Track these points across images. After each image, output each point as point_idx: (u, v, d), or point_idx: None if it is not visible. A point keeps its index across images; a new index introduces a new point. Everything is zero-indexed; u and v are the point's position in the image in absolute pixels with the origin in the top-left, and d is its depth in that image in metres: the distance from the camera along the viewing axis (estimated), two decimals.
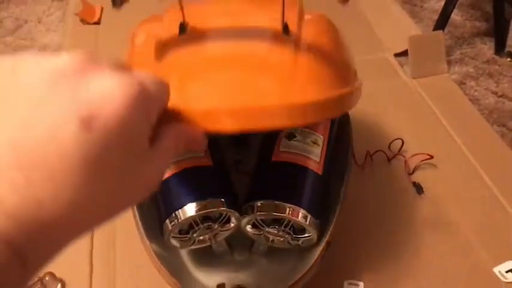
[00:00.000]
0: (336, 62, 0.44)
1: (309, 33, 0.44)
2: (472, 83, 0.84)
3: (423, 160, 0.69)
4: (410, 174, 0.68)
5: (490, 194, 0.66)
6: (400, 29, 0.92)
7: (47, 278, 0.54)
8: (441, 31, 0.85)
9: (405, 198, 0.66)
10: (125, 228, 0.60)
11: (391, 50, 0.89)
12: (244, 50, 0.40)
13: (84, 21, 0.92)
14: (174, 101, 0.29)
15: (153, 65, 0.40)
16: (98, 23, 0.93)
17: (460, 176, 0.68)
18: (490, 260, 0.59)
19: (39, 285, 0.54)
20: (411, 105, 0.79)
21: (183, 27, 0.41)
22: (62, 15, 0.98)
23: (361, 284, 0.56)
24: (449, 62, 0.88)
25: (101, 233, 0.61)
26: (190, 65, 0.39)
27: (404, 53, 0.87)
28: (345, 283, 0.56)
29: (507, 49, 0.89)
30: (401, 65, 0.87)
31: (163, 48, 0.41)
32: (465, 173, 0.69)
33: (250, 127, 0.34)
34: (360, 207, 0.64)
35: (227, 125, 0.33)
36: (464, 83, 0.84)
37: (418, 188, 0.66)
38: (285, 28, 0.41)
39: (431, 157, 0.68)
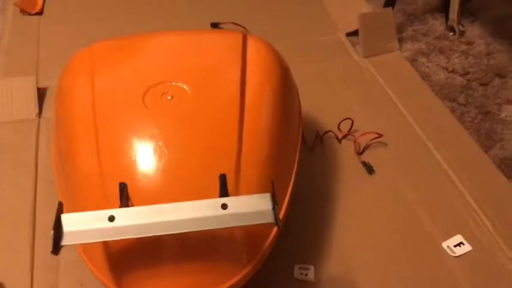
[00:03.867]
0: None
1: None
2: (424, 60, 0.84)
3: (373, 139, 0.68)
4: (360, 154, 0.68)
5: (440, 169, 0.66)
6: (352, 8, 0.91)
7: None
8: (390, 8, 0.84)
9: (356, 178, 0.65)
10: None
11: (343, 29, 0.88)
12: None
13: (24, 12, 0.88)
14: None
15: None
16: (40, 13, 0.89)
17: (410, 153, 0.68)
18: (439, 235, 0.58)
19: None
20: (362, 85, 0.78)
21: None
22: (1, 6, 0.94)
23: (312, 268, 0.55)
24: (401, 39, 0.87)
25: (43, 227, 0.59)
26: None
27: (356, 32, 0.86)
28: (296, 267, 0.55)
29: (449, 23, 0.89)
30: (353, 45, 0.86)
31: None
32: (415, 149, 0.68)
33: None
34: (310, 189, 0.63)
35: None
36: (416, 60, 0.84)
37: (369, 168, 0.66)
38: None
39: (381, 135, 0.68)
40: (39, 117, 0.74)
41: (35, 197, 0.63)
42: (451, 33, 0.89)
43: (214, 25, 0.89)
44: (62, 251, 0.55)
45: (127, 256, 0.43)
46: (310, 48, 0.86)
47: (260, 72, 0.51)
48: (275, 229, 0.46)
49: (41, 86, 0.77)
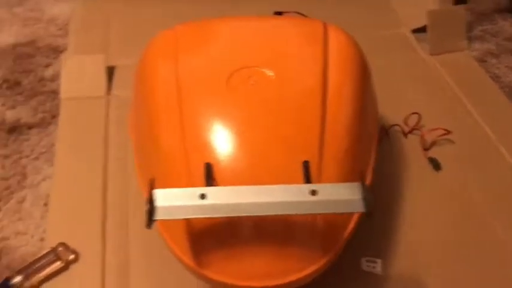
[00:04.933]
0: None
1: None
2: (493, 61, 0.82)
3: (441, 135, 0.67)
4: (427, 149, 0.67)
5: (509, 170, 0.64)
6: (418, 3, 0.90)
7: (60, 249, 0.54)
8: (462, 6, 0.83)
9: (422, 174, 0.64)
10: (138, 196, 0.60)
11: (408, 25, 0.87)
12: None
13: None
14: None
15: None
16: None
17: (480, 154, 0.67)
18: (510, 240, 0.57)
19: (52, 256, 0.53)
20: (429, 82, 0.77)
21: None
22: None
23: (379, 261, 0.55)
24: (469, 39, 0.85)
25: (114, 202, 0.60)
26: None
27: (422, 29, 0.85)
28: (363, 259, 0.55)
29: None
30: (419, 41, 0.85)
31: None
32: (485, 150, 0.67)
33: None
34: (377, 181, 0.62)
35: None
36: (485, 61, 0.82)
37: (436, 164, 0.65)
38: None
39: (449, 132, 0.67)
40: (108, 94, 0.75)
41: (105, 173, 0.64)
42: None
43: (278, 14, 0.89)
44: (133, 227, 0.58)
45: (209, 236, 0.43)
46: (374, 41, 0.85)
47: (342, 63, 0.51)
48: (354, 219, 0.46)
49: (110, 64, 0.79)
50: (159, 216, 0.39)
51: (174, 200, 0.39)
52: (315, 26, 0.54)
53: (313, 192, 0.39)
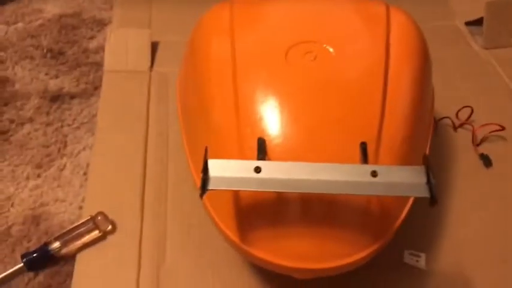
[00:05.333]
0: None
1: None
2: None
3: (493, 131, 0.64)
4: (478, 145, 0.64)
5: None
6: None
7: (99, 218, 0.53)
8: None
9: (472, 169, 0.62)
10: (177, 171, 0.59)
11: (462, 17, 0.84)
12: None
13: None
14: None
15: None
16: None
17: None
18: None
19: (91, 224, 0.53)
20: (482, 76, 0.75)
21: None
22: None
23: (423, 255, 0.53)
24: None
25: (153, 176, 0.60)
26: None
27: (476, 22, 0.82)
28: (406, 252, 0.53)
29: None
30: (472, 35, 0.82)
31: None
32: None
33: None
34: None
35: None
36: None
37: (486, 160, 0.62)
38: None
39: (503, 128, 0.64)
40: (150, 70, 0.75)
41: (146, 147, 0.63)
42: None
43: None
44: (171, 201, 0.57)
45: (256, 212, 0.42)
46: (426, 33, 0.82)
47: (404, 46, 0.49)
48: (407, 208, 0.44)
49: (153, 40, 0.78)
50: (212, 186, 0.37)
51: (229, 171, 0.38)
52: (378, 7, 0.52)
53: (374, 173, 0.37)
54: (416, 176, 0.37)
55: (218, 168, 0.38)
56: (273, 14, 0.52)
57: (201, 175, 0.38)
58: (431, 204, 0.37)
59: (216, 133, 0.45)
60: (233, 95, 0.45)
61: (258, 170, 0.38)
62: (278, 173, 0.38)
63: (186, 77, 0.55)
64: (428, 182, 0.37)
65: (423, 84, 0.49)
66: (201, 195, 0.37)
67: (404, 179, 0.37)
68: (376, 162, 0.42)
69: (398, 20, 0.51)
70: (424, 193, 0.37)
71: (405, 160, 0.44)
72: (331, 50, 0.47)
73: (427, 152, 0.50)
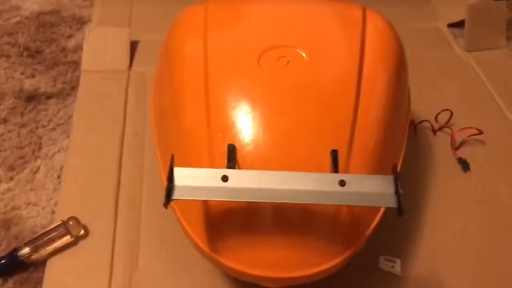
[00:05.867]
0: None
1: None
2: None
3: (471, 135, 0.64)
4: (456, 149, 0.64)
5: None
6: None
7: (70, 223, 0.52)
8: (504, 2, 0.79)
9: (450, 174, 0.62)
10: (152, 174, 0.59)
11: (445, 19, 0.84)
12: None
13: None
14: None
15: None
16: None
17: (510, 156, 0.64)
18: None
19: (62, 229, 0.52)
20: (463, 79, 0.74)
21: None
22: None
23: (398, 260, 0.53)
24: (508, 37, 0.81)
25: (128, 179, 0.59)
26: None
27: (459, 24, 0.81)
28: (381, 258, 0.53)
29: None
30: (455, 37, 0.81)
31: None
32: None
33: None
34: (402, 177, 0.60)
35: None
36: None
37: (464, 165, 0.62)
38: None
39: (481, 132, 0.64)
40: (129, 69, 0.74)
41: (121, 148, 0.62)
42: None
43: None
44: (145, 206, 0.56)
45: (226, 221, 0.41)
46: (408, 34, 0.81)
47: (379, 50, 0.49)
48: (379, 215, 0.44)
49: (133, 39, 0.77)
50: (177, 195, 0.37)
51: (195, 180, 0.37)
52: (354, 10, 0.51)
53: (342, 183, 0.37)
54: (384, 186, 0.36)
55: (184, 176, 0.37)
56: (248, 16, 0.52)
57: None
58: (398, 214, 0.36)
59: (187, 137, 0.45)
60: (204, 99, 0.44)
61: (225, 179, 0.37)
62: (245, 182, 0.37)
63: (160, 78, 0.54)
64: (397, 192, 0.36)
65: (398, 89, 0.49)
66: (165, 205, 0.36)
67: (372, 189, 0.36)
68: (347, 169, 0.41)
69: (374, 23, 0.50)
70: (392, 203, 0.36)
71: (378, 166, 0.43)
72: (304, 55, 0.46)
73: (402, 157, 0.50)
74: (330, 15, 0.51)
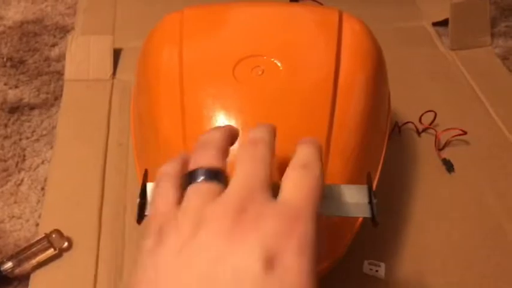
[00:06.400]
0: None
1: None
2: None
3: (455, 135, 0.64)
4: (441, 149, 0.64)
5: None
6: None
7: (53, 236, 0.52)
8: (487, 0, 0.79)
9: (434, 175, 0.62)
10: (136, 185, 0.58)
11: (429, 18, 0.84)
12: None
13: None
14: None
15: None
16: None
17: (496, 156, 0.64)
18: None
19: (45, 242, 0.52)
20: (448, 78, 0.74)
21: None
22: None
23: (383, 264, 0.53)
24: (492, 35, 0.81)
25: (112, 190, 0.59)
26: None
27: (444, 22, 0.81)
28: (365, 262, 0.53)
29: None
30: (440, 35, 0.81)
31: None
32: (501, 153, 0.64)
33: None
34: (386, 179, 0.60)
35: None
36: (508, 58, 0.78)
37: (449, 166, 0.62)
38: None
39: (465, 133, 0.64)
40: (113, 78, 0.73)
41: (105, 158, 0.62)
42: None
43: (293, 1, 0.86)
44: (129, 217, 0.56)
45: None
46: (392, 34, 0.82)
47: (356, 55, 0.48)
48: (360, 221, 0.44)
49: (116, 47, 0.76)
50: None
51: None
52: (330, 15, 0.51)
53: None
54: (357, 196, 0.36)
55: None
56: (225, 25, 0.51)
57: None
58: (373, 224, 0.36)
59: (163, 149, 0.44)
60: (180, 110, 0.44)
61: None
62: None
63: (138, 89, 0.54)
64: (370, 201, 0.36)
65: (376, 93, 0.49)
66: (138, 221, 0.36)
67: (345, 198, 0.36)
68: (324, 178, 0.41)
69: (351, 28, 0.50)
70: (366, 213, 0.36)
71: (355, 174, 0.43)
72: (279, 64, 0.46)
73: (381, 161, 0.50)
74: (306, 22, 0.51)
